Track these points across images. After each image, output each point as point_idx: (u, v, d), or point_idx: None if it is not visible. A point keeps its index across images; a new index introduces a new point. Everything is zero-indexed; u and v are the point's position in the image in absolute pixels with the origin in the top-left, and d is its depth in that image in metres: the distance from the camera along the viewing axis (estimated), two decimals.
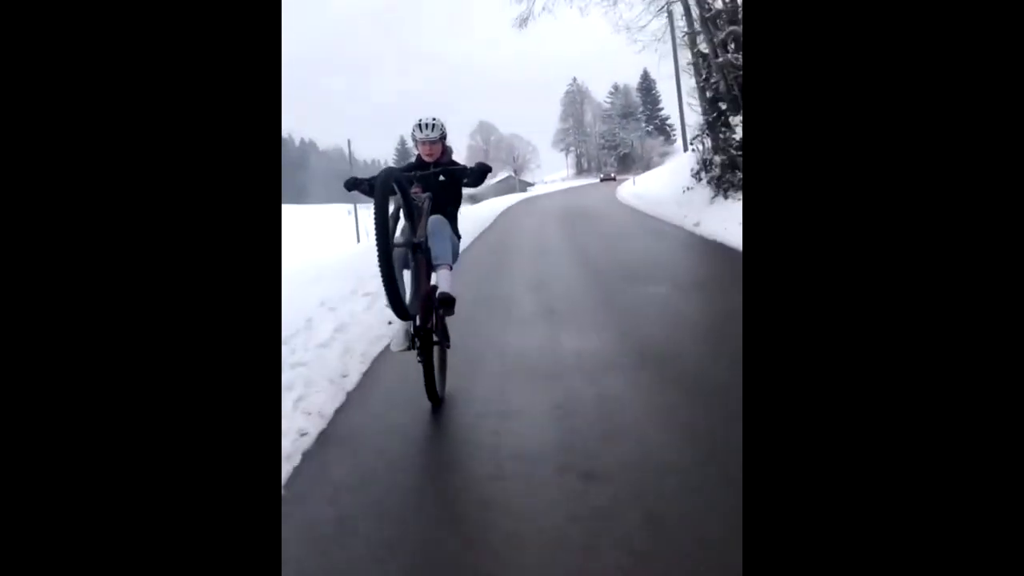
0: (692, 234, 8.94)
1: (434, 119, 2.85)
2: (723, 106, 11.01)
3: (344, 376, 3.43)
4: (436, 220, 2.72)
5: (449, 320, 2.97)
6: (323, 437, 2.49)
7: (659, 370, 3.10)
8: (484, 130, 59.17)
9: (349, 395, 3.16)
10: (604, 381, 3.00)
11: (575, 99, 60.08)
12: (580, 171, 58.30)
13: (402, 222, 2.55)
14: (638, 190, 20.29)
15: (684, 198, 11.82)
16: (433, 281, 2.75)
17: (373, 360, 3.73)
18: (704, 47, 11.13)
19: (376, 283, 3.43)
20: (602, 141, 57.86)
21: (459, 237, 2.92)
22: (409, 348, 2.64)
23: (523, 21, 13.51)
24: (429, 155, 2.87)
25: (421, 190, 2.71)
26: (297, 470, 2.10)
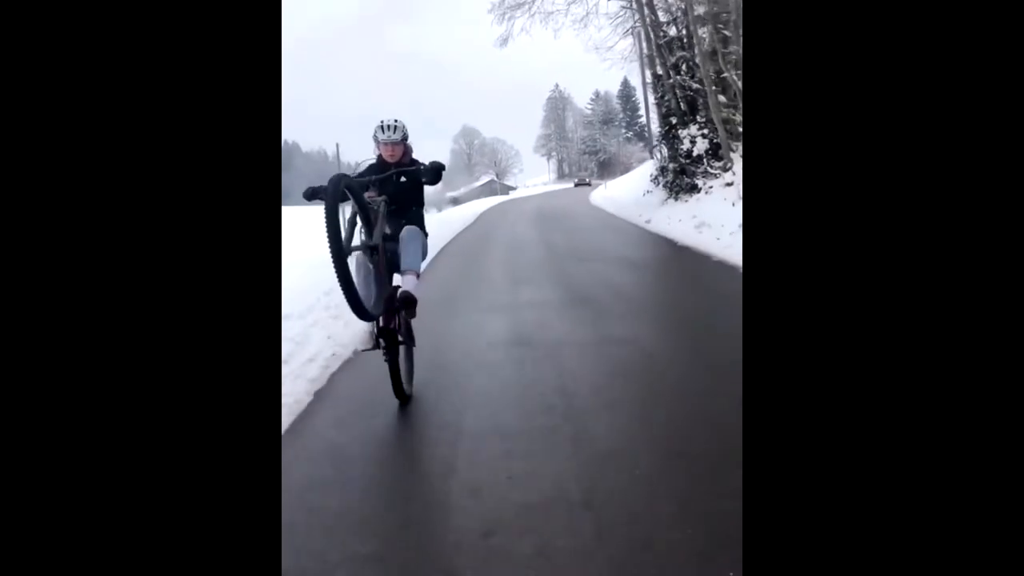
0: (642, 229, 10.82)
1: (396, 120, 2.90)
2: (673, 120, 12.25)
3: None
4: (410, 230, 2.83)
5: (442, 283, 4.49)
6: None
7: (580, 305, 5.07)
8: (467, 134, 59.84)
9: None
10: (543, 310, 5.02)
11: (557, 105, 60.77)
12: (561, 175, 58.91)
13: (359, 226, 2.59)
14: (609, 193, 22.20)
15: (643, 200, 13.40)
16: (401, 290, 2.81)
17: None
18: (659, 69, 12.62)
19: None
20: (583, 146, 58.62)
21: (426, 235, 2.97)
22: (375, 348, 2.75)
23: (504, 41, 14.83)
24: (391, 156, 2.92)
25: (376, 194, 2.75)
26: None
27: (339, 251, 2.19)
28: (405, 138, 2.93)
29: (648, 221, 11.10)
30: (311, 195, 2.84)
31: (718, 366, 3.08)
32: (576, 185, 42.76)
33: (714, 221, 8.34)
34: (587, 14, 14.18)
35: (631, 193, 16.43)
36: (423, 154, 3.07)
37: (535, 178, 59.57)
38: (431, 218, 6.09)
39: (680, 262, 7.16)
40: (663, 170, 12.76)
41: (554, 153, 61.27)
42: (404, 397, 2.90)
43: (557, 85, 61.91)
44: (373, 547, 1.85)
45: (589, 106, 60.02)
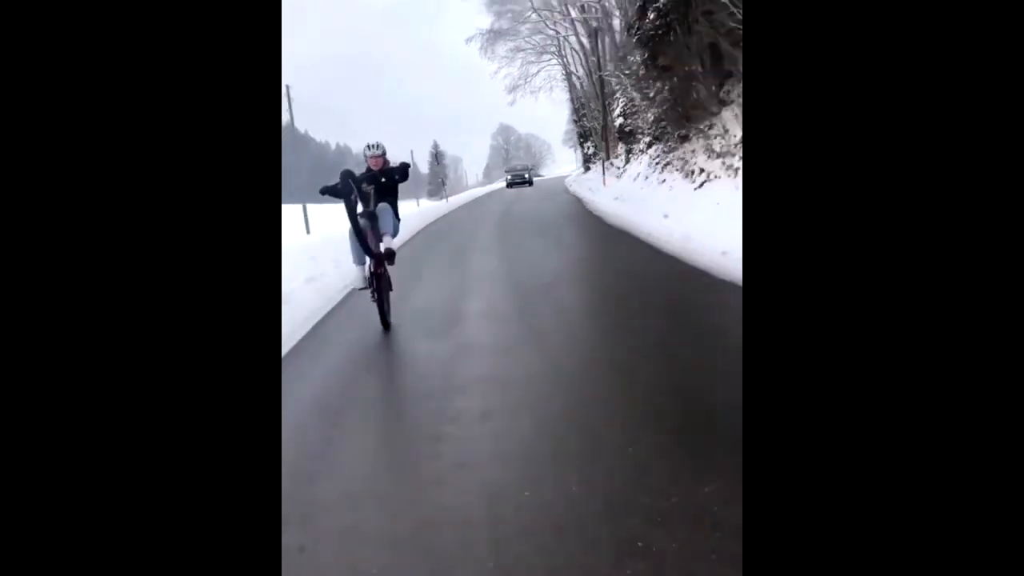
0: (565, 186, 22.57)
1: (378, 142, 4.45)
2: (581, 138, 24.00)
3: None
4: (382, 207, 4.34)
5: (449, 231, 10.42)
6: None
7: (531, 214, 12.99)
8: (504, 131, 66.01)
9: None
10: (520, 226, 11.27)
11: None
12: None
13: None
14: (566, 171, 34.66)
15: (582, 177, 23.10)
16: (383, 246, 4.33)
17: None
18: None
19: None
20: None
21: (399, 219, 4.50)
22: (365, 288, 4.32)
23: (512, 102, 22.84)
24: (375, 164, 4.40)
25: (368, 185, 4.35)
26: None
27: (353, 215, 4.10)
28: (384, 153, 4.46)
29: (570, 182, 23.42)
30: (325, 191, 4.34)
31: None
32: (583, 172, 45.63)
33: (593, 184, 17.04)
34: (551, 83, 23.75)
35: (583, 175, 26.20)
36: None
37: (565, 167, 62.34)
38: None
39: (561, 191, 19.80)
40: (586, 158, 25.37)
41: (578, 146, 65.00)
42: (387, 325, 4.32)
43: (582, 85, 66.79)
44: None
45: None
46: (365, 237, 4.17)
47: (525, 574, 1.61)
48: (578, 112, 20.93)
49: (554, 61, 21.61)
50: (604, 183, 15.75)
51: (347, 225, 4.22)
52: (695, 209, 7.51)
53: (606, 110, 18.04)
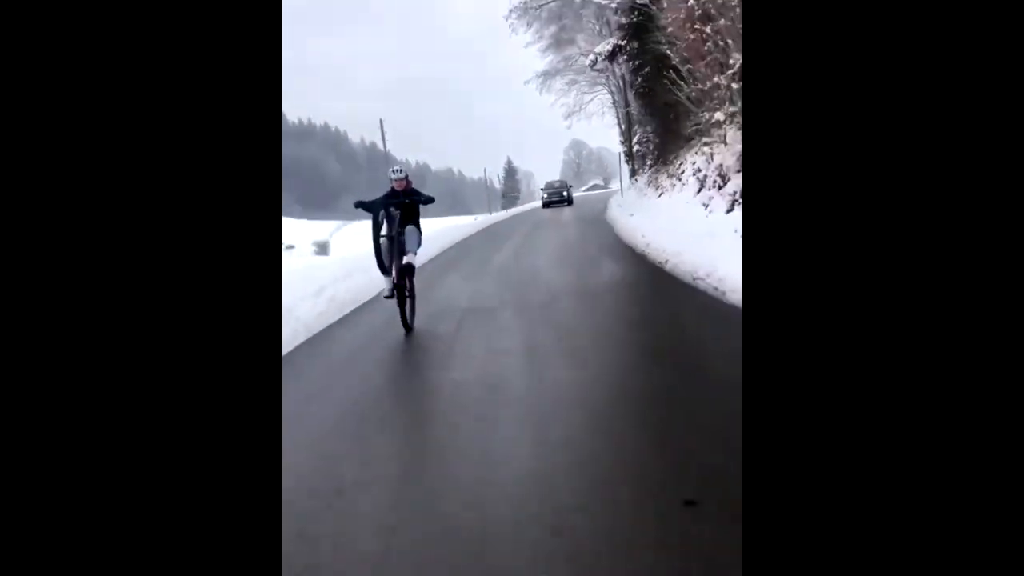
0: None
1: (400, 167, 5.14)
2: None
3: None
4: (409, 229, 4.95)
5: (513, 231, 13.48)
6: None
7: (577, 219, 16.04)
8: (576, 146, 69.35)
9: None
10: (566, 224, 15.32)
11: None
12: None
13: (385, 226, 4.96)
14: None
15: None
16: (405, 260, 4.94)
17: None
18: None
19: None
20: None
21: (421, 232, 5.09)
22: (391, 296, 4.86)
23: (569, 126, 25.43)
24: (400, 186, 5.00)
25: (395, 207, 4.90)
26: None
27: (376, 237, 4.80)
28: (407, 177, 5.07)
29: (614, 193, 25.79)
30: (358, 205, 5.06)
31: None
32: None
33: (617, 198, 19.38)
34: (603, 109, 24.43)
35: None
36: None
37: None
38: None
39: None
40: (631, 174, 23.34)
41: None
42: (408, 328, 4.84)
43: None
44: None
45: None
46: (386, 254, 4.78)
47: None
48: (622, 135, 23.94)
49: (604, 91, 24.78)
50: (622, 194, 20.61)
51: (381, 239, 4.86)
52: (652, 208, 11.85)
53: (630, 137, 22.39)
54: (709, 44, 8.12)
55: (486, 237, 14.32)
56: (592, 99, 23.88)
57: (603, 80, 23.24)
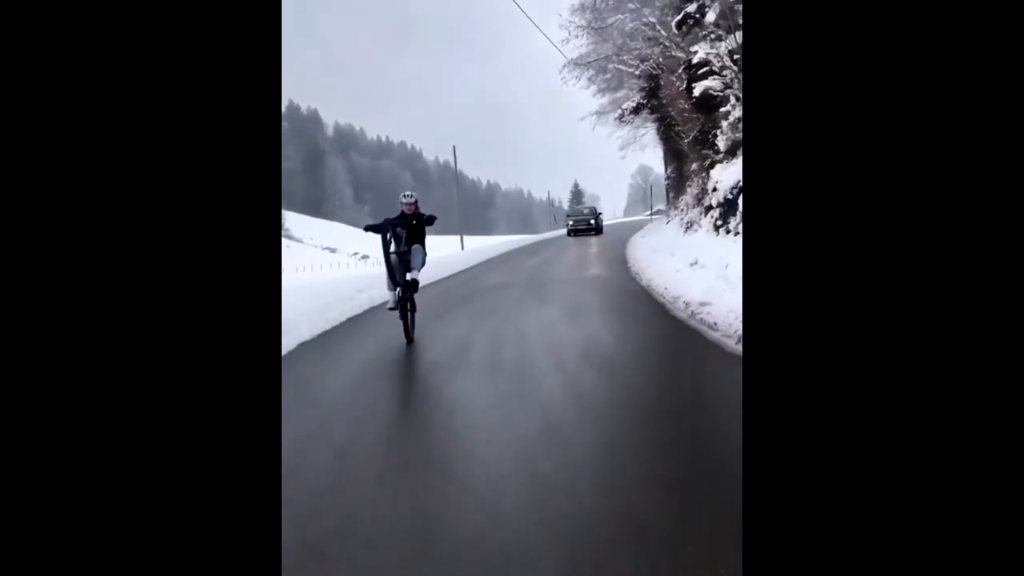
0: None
1: (411, 192, 5.58)
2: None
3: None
4: (415, 248, 5.40)
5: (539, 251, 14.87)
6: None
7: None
8: (643, 171, 73.88)
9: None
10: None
11: None
12: None
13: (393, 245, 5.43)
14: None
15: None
16: (409, 276, 5.39)
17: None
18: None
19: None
20: None
21: (426, 253, 5.57)
22: (394, 308, 5.26)
23: (624, 156, 24.18)
24: (408, 210, 5.48)
25: (401, 227, 5.37)
26: None
27: (387, 255, 5.21)
28: (416, 201, 5.56)
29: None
30: (368, 229, 5.36)
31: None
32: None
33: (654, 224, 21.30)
34: (656, 141, 22.68)
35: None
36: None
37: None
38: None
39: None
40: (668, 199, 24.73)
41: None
42: (410, 339, 5.25)
43: None
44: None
45: None
46: (395, 270, 5.31)
47: None
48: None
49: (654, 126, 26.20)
50: (650, 219, 22.47)
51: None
52: (658, 232, 14.57)
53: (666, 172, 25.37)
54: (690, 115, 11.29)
55: (534, 245, 19.31)
56: (644, 133, 24.95)
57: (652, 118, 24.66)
